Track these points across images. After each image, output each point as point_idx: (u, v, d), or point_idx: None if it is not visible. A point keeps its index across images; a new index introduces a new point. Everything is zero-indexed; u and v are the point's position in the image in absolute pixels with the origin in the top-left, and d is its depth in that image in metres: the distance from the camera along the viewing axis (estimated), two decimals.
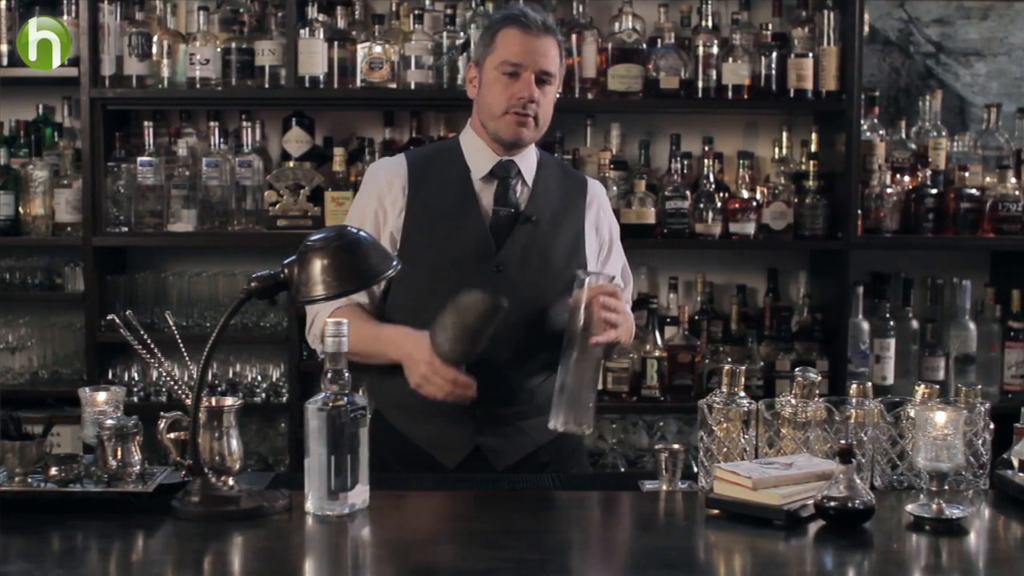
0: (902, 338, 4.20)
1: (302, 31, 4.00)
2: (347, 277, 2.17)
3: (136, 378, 4.03)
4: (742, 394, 2.36)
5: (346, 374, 2.16)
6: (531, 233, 2.74)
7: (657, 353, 4.10)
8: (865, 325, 4.16)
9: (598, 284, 2.60)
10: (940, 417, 2.13)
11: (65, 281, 4.20)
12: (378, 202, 2.77)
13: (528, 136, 2.75)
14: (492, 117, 2.74)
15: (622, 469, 4.13)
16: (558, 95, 3.96)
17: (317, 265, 2.15)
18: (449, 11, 4.09)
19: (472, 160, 2.79)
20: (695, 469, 2.42)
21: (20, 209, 4.14)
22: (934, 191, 4.17)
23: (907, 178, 4.22)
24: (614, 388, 4.09)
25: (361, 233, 2.25)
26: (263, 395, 4.11)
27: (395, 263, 2.25)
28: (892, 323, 4.18)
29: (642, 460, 4.17)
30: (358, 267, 2.19)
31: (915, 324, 4.25)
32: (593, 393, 2.62)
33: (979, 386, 2.41)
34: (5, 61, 4.07)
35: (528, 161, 2.81)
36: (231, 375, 4.10)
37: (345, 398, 2.14)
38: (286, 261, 2.19)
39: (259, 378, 4.11)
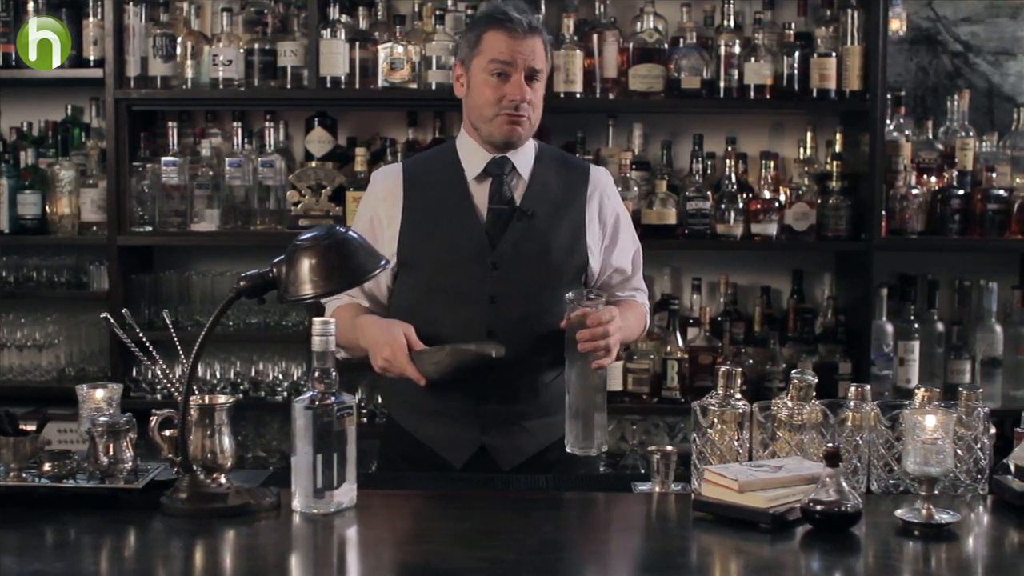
0: (927, 341, 4.14)
1: (324, 32, 4.02)
2: (335, 276, 2.18)
3: (159, 375, 4.05)
4: (738, 396, 2.34)
5: (333, 373, 2.17)
6: (528, 228, 2.73)
7: (678, 354, 4.07)
8: (889, 327, 4.10)
9: (582, 309, 2.57)
10: (930, 421, 2.10)
11: (91, 280, 4.25)
12: (374, 210, 2.81)
13: (522, 136, 2.74)
14: (483, 120, 2.73)
15: (642, 471, 4.10)
16: (578, 95, 4.03)
17: (305, 264, 2.16)
18: (471, 11, 4.09)
19: (466, 161, 2.79)
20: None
21: (47, 208, 4.21)
22: (961, 192, 4.10)
23: (933, 179, 4.16)
24: (635, 389, 4.07)
25: (350, 232, 2.26)
26: (284, 394, 4.13)
27: (383, 262, 2.25)
28: (917, 325, 4.12)
29: None
30: (346, 266, 2.19)
31: (940, 327, 4.19)
32: (601, 416, 2.60)
33: (980, 388, 2.38)
34: None
35: (524, 155, 2.79)
36: (253, 373, 4.13)
37: (332, 396, 2.15)
38: (275, 260, 2.20)
39: (280, 377, 4.13)
